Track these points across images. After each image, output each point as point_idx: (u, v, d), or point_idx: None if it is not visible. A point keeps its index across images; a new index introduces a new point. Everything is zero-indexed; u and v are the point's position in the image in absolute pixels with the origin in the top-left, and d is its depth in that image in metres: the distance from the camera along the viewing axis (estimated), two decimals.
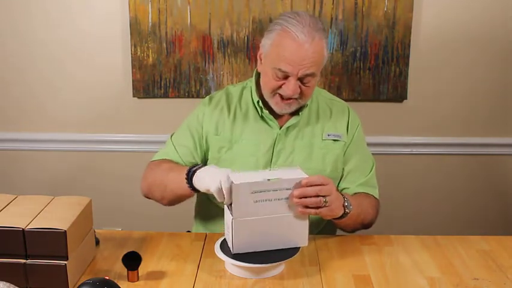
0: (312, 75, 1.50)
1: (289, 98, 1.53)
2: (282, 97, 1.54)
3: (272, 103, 1.57)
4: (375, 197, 1.66)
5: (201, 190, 1.42)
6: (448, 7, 2.19)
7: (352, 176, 1.65)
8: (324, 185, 1.34)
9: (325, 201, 1.35)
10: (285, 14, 1.53)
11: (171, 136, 1.70)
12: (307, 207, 1.33)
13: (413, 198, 2.41)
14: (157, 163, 1.63)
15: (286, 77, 1.50)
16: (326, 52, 1.52)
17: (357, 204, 1.52)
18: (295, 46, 1.46)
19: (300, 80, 1.50)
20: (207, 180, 1.38)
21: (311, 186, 1.33)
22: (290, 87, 1.49)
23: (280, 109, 1.57)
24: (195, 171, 1.45)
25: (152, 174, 1.61)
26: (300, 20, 1.48)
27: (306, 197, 1.32)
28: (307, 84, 1.51)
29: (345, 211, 1.45)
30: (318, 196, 1.33)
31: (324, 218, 1.44)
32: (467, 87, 2.28)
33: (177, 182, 1.49)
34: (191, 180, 1.45)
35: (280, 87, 1.52)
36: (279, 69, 1.49)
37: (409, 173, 2.37)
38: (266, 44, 1.54)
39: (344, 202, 1.45)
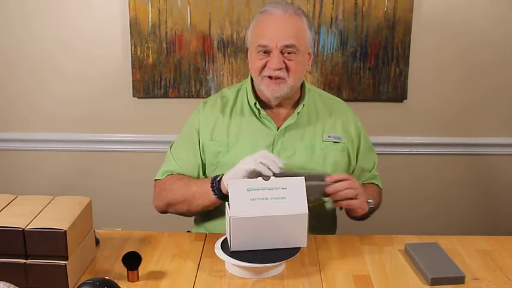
0: (293, 47, 1.53)
1: (278, 77, 1.54)
2: (270, 78, 1.55)
3: (263, 87, 1.58)
4: (379, 186, 1.75)
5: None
6: (448, 7, 2.19)
7: (363, 173, 1.72)
8: (349, 179, 1.46)
9: (356, 194, 1.45)
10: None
11: (170, 147, 1.72)
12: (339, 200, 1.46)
13: (413, 198, 2.41)
14: (169, 180, 1.65)
15: (268, 52, 1.54)
16: (306, 29, 1.57)
17: (374, 196, 1.62)
18: (271, 20, 1.53)
19: (282, 54, 1.53)
20: (240, 166, 1.44)
21: (339, 181, 1.43)
22: (273, 60, 1.52)
23: (272, 91, 1.56)
24: (220, 180, 1.49)
25: (170, 194, 1.62)
26: (277, 2, 1.57)
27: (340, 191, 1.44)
28: (290, 58, 1.54)
29: (368, 206, 1.54)
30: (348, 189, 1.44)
31: (358, 212, 1.51)
32: (467, 87, 2.28)
33: (202, 194, 1.53)
34: (219, 189, 1.49)
35: (265, 66, 1.55)
36: (259, 45, 1.54)
37: (409, 173, 2.37)
38: (248, 34, 1.61)
39: (367, 198, 1.54)
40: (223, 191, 1.48)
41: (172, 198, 1.61)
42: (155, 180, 1.70)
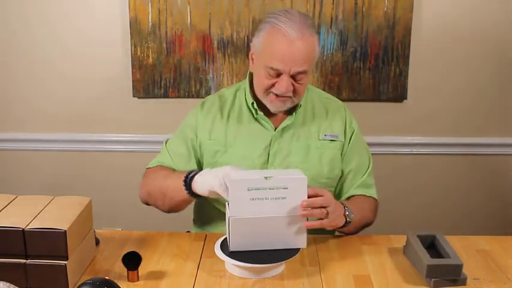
0: (304, 72, 1.49)
1: (284, 96, 1.52)
2: (276, 95, 1.53)
3: (266, 102, 1.56)
4: (373, 198, 1.66)
5: (203, 193, 1.42)
6: (448, 7, 2.19)
7: (351, 177, 1.66)
8: (321, 196, 1.37)
9: (326, 213, 1.38)
10: (274, 12, 1.53)
11: (166, 142, 1.70)
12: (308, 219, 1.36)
13: (413, 198, 2.41)
14: (154, 170, 1.63)
15: (278, 75, 1.49)
16: (317, 48, 1.52)
17: (358, 209, 1.53)
18: (286, 43, 1.45)
19: (293, 77, 1.49)
20: (208, 179, 1.39)
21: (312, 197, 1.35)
22: (283, 85, 1.49)
23: (276, 107, 1.56)
24: (192, 177, 1.45)
25: (151, 182, 1.60)
26: (290, 17, 1.47)
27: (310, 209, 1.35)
28: (299, 82, 1.51)
29: (346, 220, 1.47)
30: (321, 208, 1.36)
31: (327, 228, 1.44)
32: (467, 87, 2.28)
33: (175, 189, 1.49)
34: (190, 186, 1.45)
35: (273, 85, 1.51)
36: (271, 68, 1.48)
37: (409, 173, 2.37)
38: (257, 43, 1.54)
39: (345, 211, 1.47)
40: (193, 189, 1.44)
41: (151, 186, 1.59)
42: (146, 168, 1.67)
